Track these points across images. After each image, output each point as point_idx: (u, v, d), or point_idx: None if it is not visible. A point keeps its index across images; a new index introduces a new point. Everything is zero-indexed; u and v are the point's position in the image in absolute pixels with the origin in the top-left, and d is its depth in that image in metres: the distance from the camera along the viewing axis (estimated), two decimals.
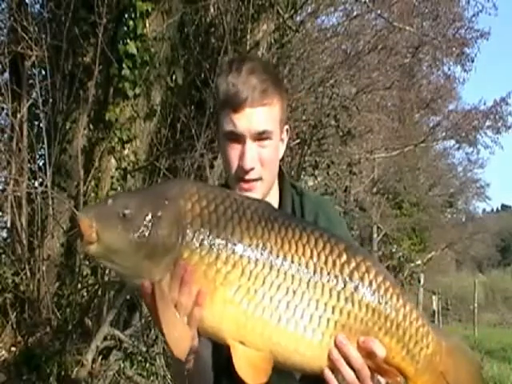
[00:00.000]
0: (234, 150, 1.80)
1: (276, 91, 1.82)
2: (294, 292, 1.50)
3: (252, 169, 1.79)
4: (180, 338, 1.45)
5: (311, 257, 1.53)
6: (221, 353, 1.66)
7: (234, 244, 1.48)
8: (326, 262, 1.53)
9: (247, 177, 1.80)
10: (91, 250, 1.47)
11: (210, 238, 1.48)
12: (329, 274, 1.53)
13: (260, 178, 1.82)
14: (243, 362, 1.46)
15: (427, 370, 1.59)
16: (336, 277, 1.53)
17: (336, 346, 1.50)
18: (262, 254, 1.50)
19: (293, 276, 1.50)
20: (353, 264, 1.55)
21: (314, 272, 1.52)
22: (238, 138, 1.78)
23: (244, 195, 1.71)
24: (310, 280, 1.51)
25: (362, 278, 1.55)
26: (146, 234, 1.47)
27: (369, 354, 1.53)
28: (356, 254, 1.57)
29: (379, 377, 1.58)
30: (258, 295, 1.48)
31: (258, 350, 1.48)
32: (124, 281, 1.57)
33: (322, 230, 1.59)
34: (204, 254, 1.47)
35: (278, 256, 1.51)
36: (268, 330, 1.48)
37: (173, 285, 1.45)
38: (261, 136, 1.79)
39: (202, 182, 1.84)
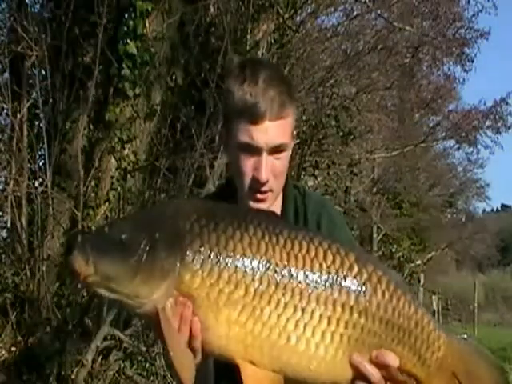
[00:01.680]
0: (249, 161, 1.76)
1: (292, 102, 1.80)
2: (303, 309, 1.45)
3: (267, 181, 1.77)
4: (184, 365, 1.43)
5: (321, 271, 1.48)
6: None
7: (236, 263, 1.44)
8: (336, 277, 1.49)
9: (262, 188, 1.78)
10: (89, 281, 1.44)
11: (211, 258, 1.43)
12: (340, 288, 1.48)
13: (271, 190, 1.80)
14: (253, 382, 1.44)
15: (438, 372, 1.58)
16: (348, 291, 1.49)
17: (351, 365, 1.49)
18: (266, 271, 1.45)
19: (301, 293, 1.46)
20: (365, 276, 1.51)
21: (325, 287, 1.48)
22: (253, 150, 1.76)
23: (246, 207, 1.70)
24: (320, 296, 1.47)
25: (374, 290, 1.51)
26: (144, 258, 1.42)
27: (382, 365, 1.51)
28: (367, 264, 1.53)
29: None
30: (264, 314, 1.43)
31: (268, 368, 1.45)
32: (129, 310, 1.55)
33: (329, 241, 1.54)
34: (206, 276, 1.43)
35: (283, 272, 1.46)
36: (277, 348, 1.44)
37: (173, 319, 1.43)
38: (277, 149, 1.77)
39: (201, 199, 1.81)
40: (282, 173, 1.82)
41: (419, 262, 22.75)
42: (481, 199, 33.30)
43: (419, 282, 23.47)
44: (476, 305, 23.28)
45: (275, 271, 1.45)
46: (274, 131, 1.75)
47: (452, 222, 30.69)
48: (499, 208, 69.69)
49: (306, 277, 1.47)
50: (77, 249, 1.46)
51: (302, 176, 9.29)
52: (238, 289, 1.43)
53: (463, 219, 35.04)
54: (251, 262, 1.44)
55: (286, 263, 1.47)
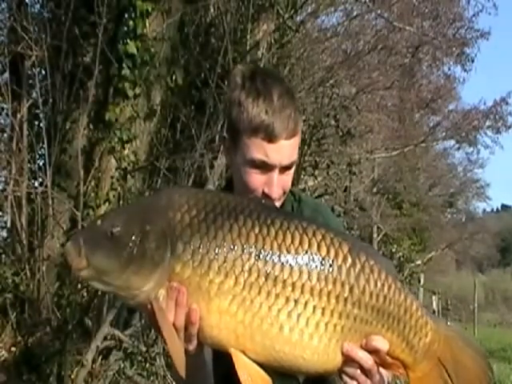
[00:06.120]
0: (259, 176, 1.77)
1: (300, 115, 1.82)
2: (296, 300, 1.47)
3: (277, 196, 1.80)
4: (179, 353, 1.45)
5: (314, 263, 1.49)
6: (220, 361, 1.66)
7: (226, 253, 1.45)
8: (331, 269, 1.50)
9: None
10: (83, 275, 1.47)
11: (201, 248, 1.45)
12: (335, 280, 1.50)
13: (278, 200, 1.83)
14: (246, 375, 1.46)
15: (425, 358, 1.61)
16: (342, 283, 1.50)
17: (343, 354, 1.51)
18: (255, 262, 1.46)
19: (293, 284, 1.47)
20: (358, 266, 1.53)
21: (318, 280, 1.49)
22: (266, 167, 1.76)
23: (240, 197, 1.69)
24: (313, 288, 1.48)
25: (367, 280, 1.53)
26: (135, 250, 1.45)
27: (372, 350, 1.54)
28: (360, 254, 1.55)
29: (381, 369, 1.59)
30: (254, 305, 1.45)
31: (261, 357, 1.47)
32: (123, 301, 1.57)
33: (323, 231, 1.54)
34: (196, 266, 1.45)
35: (274, 264, 1.47)
36: (269, 338, 1.46)
37: (168, 306, 1.45)
38: (288, 166, 1.79)
39: (195, 189, 1.78)
40: (289, 186, 1.84)
41: (419, 262, 22.77)
42: (481, 199, 33.37)
43: (419, 282, 23.48)
44: (476, 305, 23.29)
45: (265, 262, 1.47)
46: (288, 150, 1.76)
47: (452, 222, 30.75)
48: (499, 208, 69.78)
49: (299, 268, 1.48)
50: (70, 242, 1.49)
51: (301, 176, 9.28)
52: (228, 279, 1.45)
53: (463, 219, 35.09)
54: (240, 253, 1.46)
55: (277, 254, 1.48)
